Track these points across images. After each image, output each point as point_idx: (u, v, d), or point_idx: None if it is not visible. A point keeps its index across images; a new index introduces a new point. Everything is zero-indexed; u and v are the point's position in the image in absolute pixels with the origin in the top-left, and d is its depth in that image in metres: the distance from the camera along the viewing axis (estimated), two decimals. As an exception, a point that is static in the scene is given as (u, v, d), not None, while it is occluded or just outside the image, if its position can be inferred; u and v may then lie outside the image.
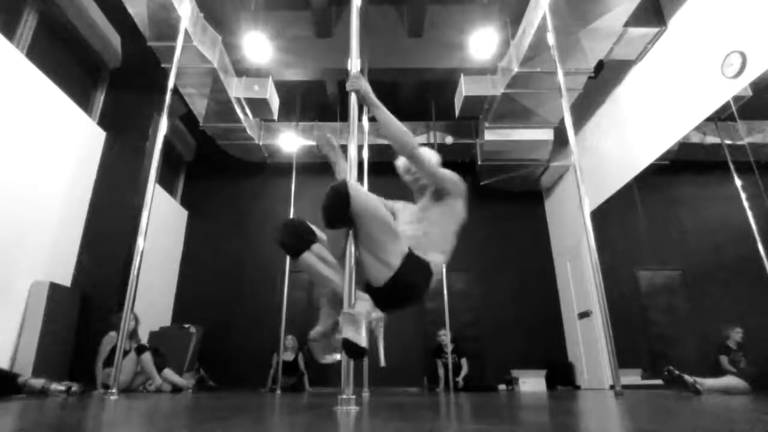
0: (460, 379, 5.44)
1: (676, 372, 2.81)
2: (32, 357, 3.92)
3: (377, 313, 1.51)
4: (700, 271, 5.14)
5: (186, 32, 4.47)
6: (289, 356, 5.50)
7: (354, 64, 2.08)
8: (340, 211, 1.44)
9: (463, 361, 5.60)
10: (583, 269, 5.85)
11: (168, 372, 4.28)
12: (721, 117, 4.21)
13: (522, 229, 7.17)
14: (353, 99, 1.92)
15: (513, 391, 5.24)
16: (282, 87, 6.23)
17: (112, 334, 4.08)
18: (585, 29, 4.52)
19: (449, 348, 5.36)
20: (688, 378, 2.78)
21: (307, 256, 1.53)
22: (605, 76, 5.48)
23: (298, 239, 1.54)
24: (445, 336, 5.46)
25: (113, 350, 4.06)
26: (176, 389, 4.14)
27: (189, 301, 6.54)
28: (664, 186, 5.43)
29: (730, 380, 2.95)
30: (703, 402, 2.04)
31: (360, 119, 4.76)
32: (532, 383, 5.66)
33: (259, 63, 5.88)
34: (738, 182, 4.14)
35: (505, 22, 5.79)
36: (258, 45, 5.73)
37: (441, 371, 5.49)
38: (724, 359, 4.44)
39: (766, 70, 3.37)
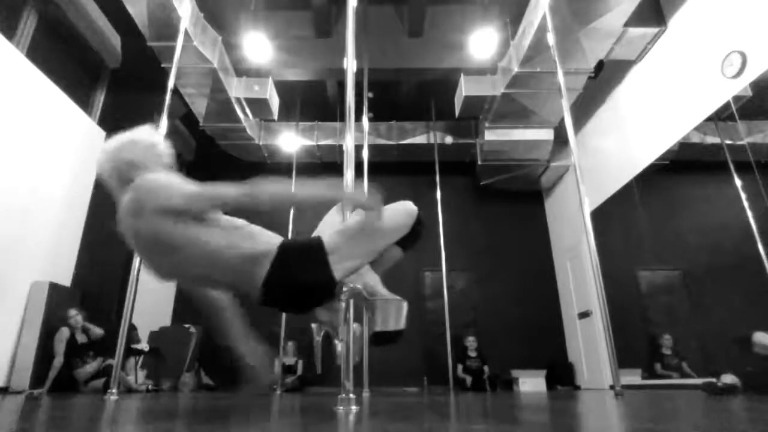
0: (485, 378, 5.56)
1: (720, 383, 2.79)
2: (32, 357, 3.92)
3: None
4: (700, 271, 5.14)
5: (186, 32, 4.47)
6: (290, 360, 5.64)
7: (350, 65, 2.06)
8: None
9: (486, 368, 5.66)
10: (583, 269, 5.84)
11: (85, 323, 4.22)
12: (721, 117, 4.20)
13: (522, 229, 7.17)
14: (350, 98, 1.93)
15: (507, 391, 5.24)
16: (282, 87, 6.23)
17: (64, 329, 4.06)
18: (585, 29, 4.51)
19: (473, 353, 5.68)
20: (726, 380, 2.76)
21: None
22: (605, 76, 5.47)
23: None
24: (472, 342, 5.75)
25: (68, 346, 4.01)
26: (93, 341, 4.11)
27: (189, 301, 6.47)
28: (664, 186, 5.42)
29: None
30: (703, 402, 2.04)
31: (359, 119, 4.78)
32: (532, 383, 5.66)
33: (259, 63, 5.88)
34: (738, 182, 4.13)
35: (505, 22, 5.79)
36: (258, 45, 5.73)
37: (460, 371, 5.60)
38: (657, 366, 4.85)
39: (766, 70, 3.37)
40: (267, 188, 1.37)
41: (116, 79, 5.61)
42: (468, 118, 6.53)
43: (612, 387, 2.84)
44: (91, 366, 4.06)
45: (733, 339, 3.12)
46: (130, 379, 4.31)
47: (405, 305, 1.40)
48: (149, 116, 5.44)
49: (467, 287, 6.66)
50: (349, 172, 1.78)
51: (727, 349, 4.17)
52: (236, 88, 5.75)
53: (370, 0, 5.86)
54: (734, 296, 4.51)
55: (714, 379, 2.89)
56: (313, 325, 1.61)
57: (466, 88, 5.69)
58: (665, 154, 4.60)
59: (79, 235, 4.87)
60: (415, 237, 1.46)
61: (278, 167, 6.90)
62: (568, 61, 4.77)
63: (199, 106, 5.82)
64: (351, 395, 1.46)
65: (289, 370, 5.53)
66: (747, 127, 4.47)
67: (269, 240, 1.39)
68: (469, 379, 5.49)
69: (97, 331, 4.21)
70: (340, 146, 6.71)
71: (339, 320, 1.51)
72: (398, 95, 6.95)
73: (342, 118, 6.88)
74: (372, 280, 1.44)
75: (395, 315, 1.39)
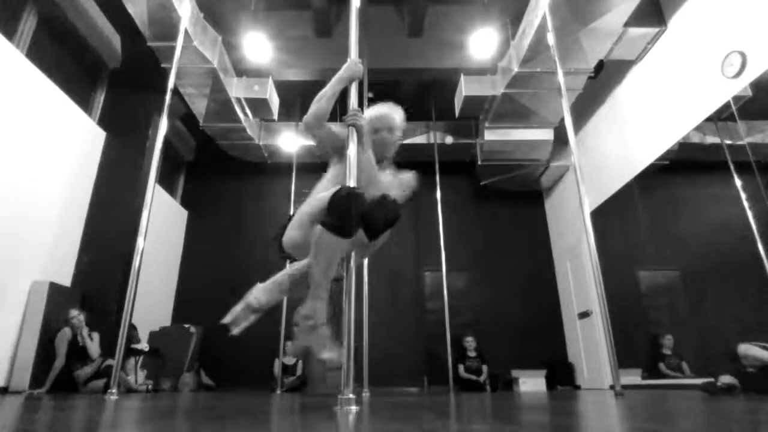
0: (483, 379, 5.63)
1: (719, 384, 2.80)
2: (32, 357, 3.92)
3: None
4: (700, 271, 5.13)
5: (186, 32, 4.47)
6: (290, 360, 5.64)
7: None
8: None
9: (484, 367, 5.69)
10: (583, 269, 5.84)
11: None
12: (721, 117, 4.20)
13: (522, 229, 7.17)
14: (353, 98, 1.94)
15: (507, 391, 5.24)
16: (282, 87, 6.23)
17: (66, 330, 4.06)
18: (585, 29, 4.51)
19: (473, 353, 5.75)
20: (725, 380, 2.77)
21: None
22: (605, 76, 5.47)
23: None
24: (471, 342, 5.80)
25: (69, 346, 4.01)
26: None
27: (189, 301, 6.53)
28: (664, 186, 5.42)
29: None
30: (703, 403, 2.04)
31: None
32: (532, 383, 5.66)
33: (259, 63, 5.88)
34: (738, 182, 4.13)
35: (505, 22, 5.79)
36: (258, 45, 5.72)
37: (462, 371, 5.66)
38: (662, 366, 4.90)
39: (766, 70, 3.37)
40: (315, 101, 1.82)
41: (116, 79, 5.60)
42: (468, 118, 6.53)
43: (612, 387, 2.84)
44: (91, 366, 4.06)
45: (723, 353, 3.11)
46: (130, 379, 4.31)
47: (257, 285, 1.84)
48: (149, 116, 5.45)
49: (467, 287, 6.66)
50: (352, 174, 1.78)
51: (726, 350, 4.17)
52: (236, 88, 5.75)
53: (371, 0, 5.86)
54: (734, 296, 4.51)
55: (713, 379, 2.90)
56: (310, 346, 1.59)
57: (466, 88, 5.69)
58: (665, 154, 4.60)
59: (79, 235, 4.87)
60: (341, 220, 1.41)
61: (278, 167, 6.90)
62: (568, 61, 4.77)
63: (199, 106, 5.82)
64: (351, 395, 1.46)
65: (289, 370, 5.53)
66: (747, 127, 4.47)
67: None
68: (474, 378, 5.53)
69: (94, 351, 4.13)
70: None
71: (319, 343, 1.53)
72: (398, 95, 6.95)
73: (342, 118, 6.88)
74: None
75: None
